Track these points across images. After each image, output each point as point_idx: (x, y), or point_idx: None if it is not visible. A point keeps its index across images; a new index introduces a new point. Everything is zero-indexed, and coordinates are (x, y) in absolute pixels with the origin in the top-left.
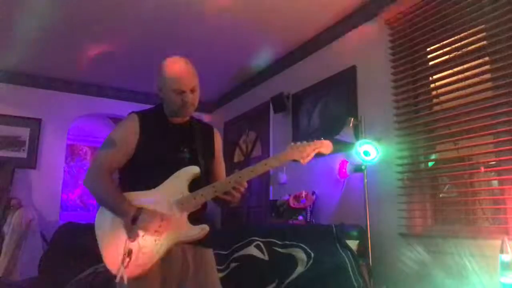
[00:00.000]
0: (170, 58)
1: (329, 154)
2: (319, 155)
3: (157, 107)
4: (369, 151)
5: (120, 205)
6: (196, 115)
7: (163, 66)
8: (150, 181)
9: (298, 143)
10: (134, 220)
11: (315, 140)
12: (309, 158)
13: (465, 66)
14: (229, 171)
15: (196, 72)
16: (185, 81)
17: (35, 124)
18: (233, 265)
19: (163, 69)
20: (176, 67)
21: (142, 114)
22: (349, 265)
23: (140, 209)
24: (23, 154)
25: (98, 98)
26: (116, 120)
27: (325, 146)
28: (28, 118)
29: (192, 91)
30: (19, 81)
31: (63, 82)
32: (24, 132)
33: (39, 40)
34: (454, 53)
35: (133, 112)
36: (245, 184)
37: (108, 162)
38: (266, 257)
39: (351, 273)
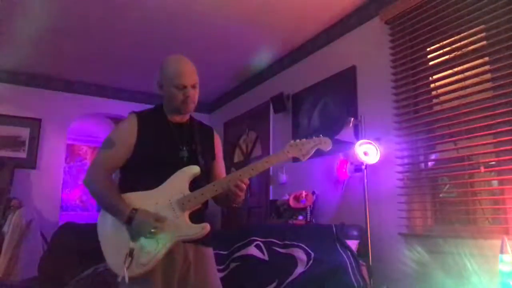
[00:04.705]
0: (171, 56)
1: (328, 151)
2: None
3: (156, 107)
4: (369, 151)
5: (116, 205)
6: (196, 115)
7: (165, 63)
8: (151, 181)
9: (298, 140)
10: (129, 221)
11: (314, 137)
12: (309, 155)
13: (465, 66)
14: (229, 171)
15: (196, 69)
16: (187, 77)
17: (35, 124)
18: (233, 265)
19: (165, 65)
20: (178, 63)
21: (141, 114)
22: (349, 265)
23: (135, 210)
24: (23, 154)
25: (98, 98)
26: (116, 120)
27: (324, 142)
28: (28, 118)
29: (193, 87)
30: (19, 81)
31: (63, 82)
32: (24, 132)
33: (39, 40)
34: (454, 53)
35: (132, 112)
36: (247, 181)
37: (107, 162)
38: (266, 257)
39: (351, 273)
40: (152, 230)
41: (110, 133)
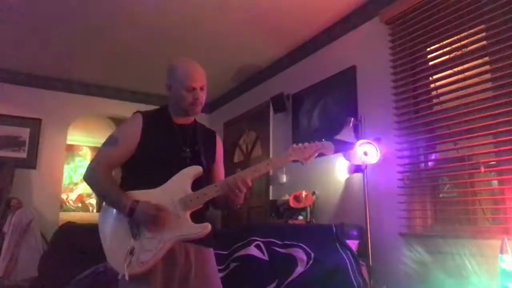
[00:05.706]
0: (181, 58)
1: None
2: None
3: (161, 107)
4: (369, 151)
5: (117, 198)
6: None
7: (175, 65)
8: (153, 180)
9: (300, 144)
10: (131, 212)
11: (317, 142)
12: (311, 159)
13: (465, 66)
14: (229, 172)
15: (204, 72)
16: (197, 79)
17: (35, 124)
18: (233, 265)
19: (175, 67)
20: (188, 65)
21: (146, 114)
22: (349, 265)
23: (136, 201)
24: (23, 154)
25: (98, 98)
26: (116, 120)
27: (327, 147)
28: (28, 118)
29: (202, 89)
30: (19, 81)
31: (63, 82)
32: (24, 132)
33: (39, 40)
34: (454, 53)
35: (137, 111)
36: (249, 182)
37: (108, 158)
38: (266, 257)
39: (351, 273)
40: (154, 220)
41: (114, 131)
